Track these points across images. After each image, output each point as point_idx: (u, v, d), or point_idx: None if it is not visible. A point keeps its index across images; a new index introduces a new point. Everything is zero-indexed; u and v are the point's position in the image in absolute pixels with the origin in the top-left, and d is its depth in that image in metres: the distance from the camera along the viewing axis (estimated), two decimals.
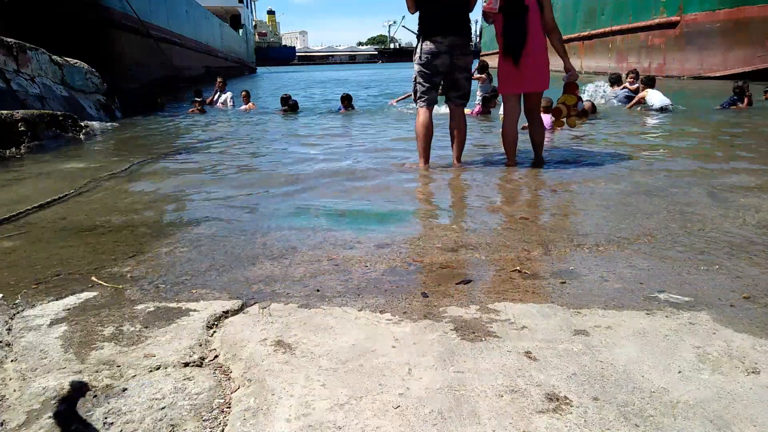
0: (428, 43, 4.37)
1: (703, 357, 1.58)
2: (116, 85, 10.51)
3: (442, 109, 8.26)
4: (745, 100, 8.62)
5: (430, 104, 4.57)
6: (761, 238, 2.63)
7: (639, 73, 10.26)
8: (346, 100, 10.46)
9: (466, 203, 3.58)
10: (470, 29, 4.52)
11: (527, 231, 2.87)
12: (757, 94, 9.21)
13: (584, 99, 8.52)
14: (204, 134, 7.50)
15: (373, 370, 1.54)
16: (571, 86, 4.83)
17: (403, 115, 9.42)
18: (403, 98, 11.58)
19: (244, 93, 11.62)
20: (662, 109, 8.72)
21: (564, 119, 5.04)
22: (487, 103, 8.44)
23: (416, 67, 4.52)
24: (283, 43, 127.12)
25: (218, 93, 12.03)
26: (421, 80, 4.50)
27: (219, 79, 12.36)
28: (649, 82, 9.30)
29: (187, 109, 11.09)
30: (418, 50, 4.46)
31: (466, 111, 5.03)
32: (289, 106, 10.28)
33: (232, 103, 11.76)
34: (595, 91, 9.91)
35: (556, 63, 4.50)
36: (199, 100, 11.10)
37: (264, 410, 1.37)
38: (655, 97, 8.87)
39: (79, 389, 1.39)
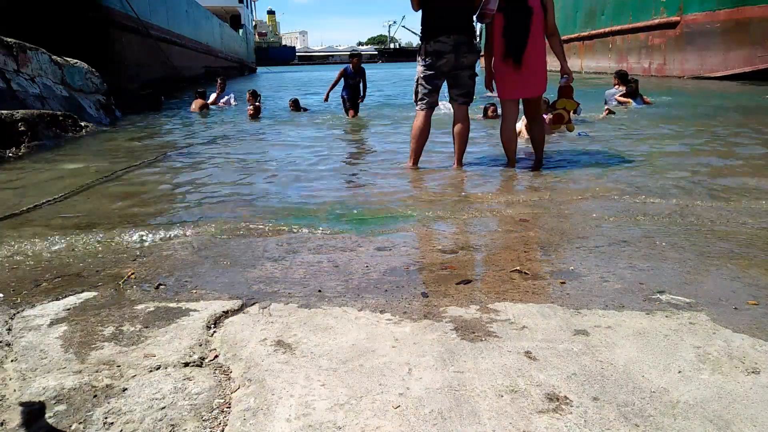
0: (432, 43, 4.34)
1: (703, 357, 1.58)
2: (116, 85, 10.51)
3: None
4: None
5: (430, 107, 4.54)
6: (761, 238, 2.63)
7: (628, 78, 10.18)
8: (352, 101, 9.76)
9: (466, 204, 3.58)
10: (474, 27, 4.48)
11: (527, 231, 2.87)
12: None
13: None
14: (205, 134, 7.50)
15: (373, 370, 1.54)
16: (567, 90, 4.83)
17: (398, 118, 9.31)
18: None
19: (249, 93, 11.47)
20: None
21: (564, 125, 5.05)
22: (488, 113, 8.28)
23: (419, 69, 4.48)
24: (283, 43, 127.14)
25: (219, 93, 11.95)
26: (424, 82, 4.47)
27: (219, 80, 12.28)
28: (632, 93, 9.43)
29: (187, 107, 11.05)
30: (422, 51, 4.43)
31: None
32: (256, 108, 9.74)
33: (235, 103, 11.69)
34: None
35: (553, 63, 4.49)
36: (201, 91, 11.04)
37: (264, 410, 1.37)
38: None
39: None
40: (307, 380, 1.50)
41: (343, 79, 9.51)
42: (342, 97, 9.65)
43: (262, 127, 8.35)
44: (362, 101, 9.82)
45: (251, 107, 9.72)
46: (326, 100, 9.94)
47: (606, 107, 8.48)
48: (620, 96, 9.30)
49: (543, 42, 4.32)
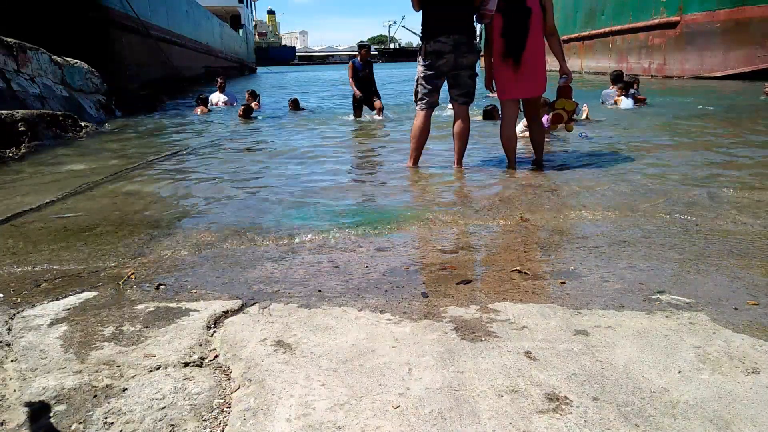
0: (432, 43, 4.34)
1: (703, 357, 1.58)
2: (116, 85, 10.50)
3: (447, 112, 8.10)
4: None
5: (430, 107, 4.54)
6: (760, 239, 2.63)
7: (623, 77, 10.08)
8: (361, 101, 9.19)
9: (466, 204, 3.58)
10: (474, 28, 4.48)
11: (527, 232, 2.87)
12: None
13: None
14: (205, 134, 7.50)
15: (373, 370, 1.54)
16: (566, 90, 4.83)
17: (398, 118, 9.21)
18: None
19: (248, 93, 11.46)
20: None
21: (563, 125, 5.05)
22: (489, 117, 8.10)
23: (419, 69, 4.49)
24: (283, 43, 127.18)
25: (218, 93, 11.92)
26: (423, 82, 4.47)
27: (219, 79, 12.23)
28: (626, 87, 9.38)
29: (187, 108, 11.05)
30: (422, 52, 4.44)
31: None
32: (245, 109, 9.52)
33: (236, 103, 11.68)
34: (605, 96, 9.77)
35: (554, 63, 4.50)
36: (203, 98, 11.04)
37: (264, 410, 1.37)
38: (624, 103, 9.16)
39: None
40: (307, 380, 1.50)
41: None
42: (353, 94, 9.17)
43: (260, 127, 8.35)
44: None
45: (241, 107, 9.60)
46: (359, 94, 9.05)
47: (585, 109, 7.98)
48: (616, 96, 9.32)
49: (542, 42, 4.32)
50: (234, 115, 10.06)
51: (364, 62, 9.09)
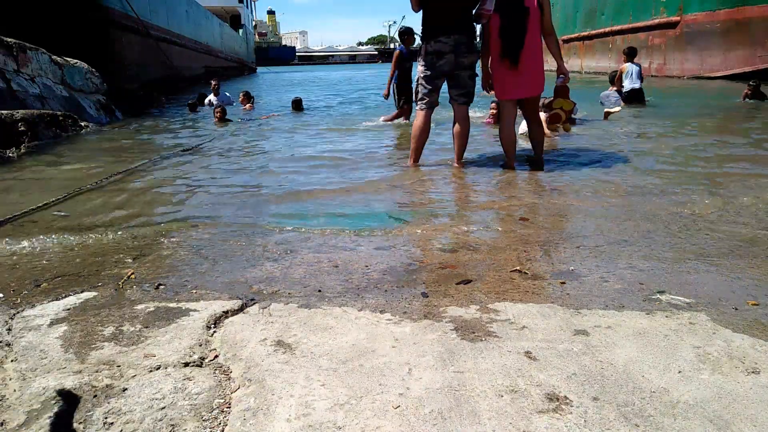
0: (432, 43, 4.35)
1: (703, 357, 1.58)
2: (116, 85, 10.50)
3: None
4: None
5: (430, 107, 4.56)
6: (760, 239, 2.63)
7: (634, 50, 9.86)
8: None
9: (466, 204, 3.58)
10: (474, 27, 4.49)
11: (527, 231, 2.87)
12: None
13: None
14: (204, 135, 7.50)
15: (373, 370, 1.54)
16: (563, 90, 4.83)
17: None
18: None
19: (242, 94, 11.40)
20: (631, 97, 8.92)
21: (561, 125, 5.05)
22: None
23: (420, 69, 4.51)
24: (283, 43, 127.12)
25: (213, 96, 11.81)
26: (424, 82, 4.49)
27: (213, 82, 12.02)
28: (630, 54, 9.31)
29: (186, 109, 11.02)
30: (423, 52, 4.45)
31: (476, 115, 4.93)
32: (222, 111, 9.02)
33: (233, 104, 11.65)
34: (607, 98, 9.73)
35: (552, 63, 4.49)
36: (192, 102, 10.97)
37: (264, 410, 1.37)
38: (628, 80, 9.08)
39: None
40: (307, 380, 1.50)
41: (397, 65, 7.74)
42: (395, 86, 7.87)
43: (258, 128, 8.34)
44: None
45: (217, 110, 9.11)
46: (387, 95, 7.97)
47: (606, 110, 7.98)
48: (616, 79, 9.32)
49: (540, 42, 4.32)
50: (231, 116, 10.04)
51: (411, 51, 7.65)
